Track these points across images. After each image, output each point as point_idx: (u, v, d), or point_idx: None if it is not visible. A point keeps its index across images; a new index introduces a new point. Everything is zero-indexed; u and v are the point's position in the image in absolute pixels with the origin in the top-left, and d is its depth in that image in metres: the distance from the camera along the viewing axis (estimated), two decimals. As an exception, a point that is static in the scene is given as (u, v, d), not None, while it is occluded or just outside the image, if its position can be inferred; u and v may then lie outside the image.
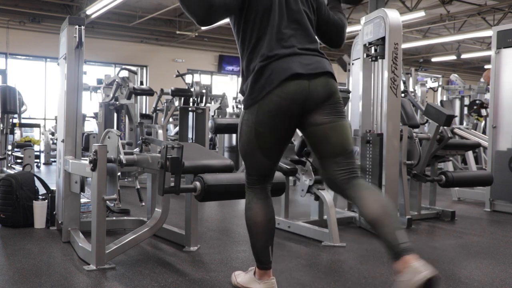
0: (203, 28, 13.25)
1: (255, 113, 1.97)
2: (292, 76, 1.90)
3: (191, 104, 6.42)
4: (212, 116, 7.63)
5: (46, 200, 3.60)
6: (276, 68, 1.91)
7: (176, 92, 6.44)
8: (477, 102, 8.59)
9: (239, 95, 8.78)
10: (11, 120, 7.07)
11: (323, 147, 2.00)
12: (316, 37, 2.08)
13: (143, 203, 3.47)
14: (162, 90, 7.00)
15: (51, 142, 9.44)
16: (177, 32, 13.88)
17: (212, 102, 8.63)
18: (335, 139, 1.98)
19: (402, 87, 5.59)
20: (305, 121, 1.99)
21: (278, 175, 2.49)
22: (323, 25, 2.16)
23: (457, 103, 9.78)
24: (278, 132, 2.00)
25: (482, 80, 8.98)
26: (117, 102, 6.07)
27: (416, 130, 4.33)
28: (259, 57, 1.94)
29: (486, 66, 16.64)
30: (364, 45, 3.85)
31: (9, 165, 7.18)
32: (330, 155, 1.99)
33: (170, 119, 7.87)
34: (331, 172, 2.00)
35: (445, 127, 4.17)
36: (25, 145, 7.92)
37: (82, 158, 3.28)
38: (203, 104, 6.47)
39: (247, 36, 1.99)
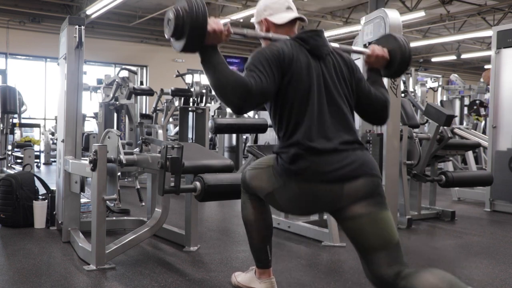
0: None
1: (280, 184, 1.86)
2: (327, 182, 1.77)
3: (191, 104, 6.42)
4: (212, 116, 7.63)
5: (46, 200, 3.60)
6: (312, 166, 1.77)
7: (176, 92, 6.44)
8: (477, 101, 8.58)
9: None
10: (11, 120, 7.07)
11: (361, 241, 1.78)
12: (354, 125, 1.92)
13: (143, 203, 3.47)
14: (162, 90, 7.00)
15: (51, 142, 9.43)
16: (177, 32, 13.87)
17: (212, 102, 8.62)
18: (375, 231, 1.77)
19: (402, 87, 5.60)
20: (339, 214, 1.84)
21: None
22: (364, 102, 1.99)
23: (457, 103, 9.78)
24: (304, 211, 1.98)
25: (481, 80, 8.99)
26: (117, 102, 6.07)
27: (416, 130, 4.33)
28: (298, 144, 1.79)
29: (486, 66, 16.65)
30: (364, 45, 3.84)
31: (9, 165, 7.18)
32: (370, 250, 1.76)
33: (170, 119, 7.87)
34: (374, 269, 1.75)
35: (445, 127, 4.17)
36: (25, 145, 7.92)
37: (82, 158, 3.29)
38: (203, 104, 6.47)
39: (283, 120, 1.84)
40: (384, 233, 1.76)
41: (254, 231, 2.19)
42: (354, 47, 2.20)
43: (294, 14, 2.00)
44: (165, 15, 1.76)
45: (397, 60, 2.09)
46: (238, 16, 11.74)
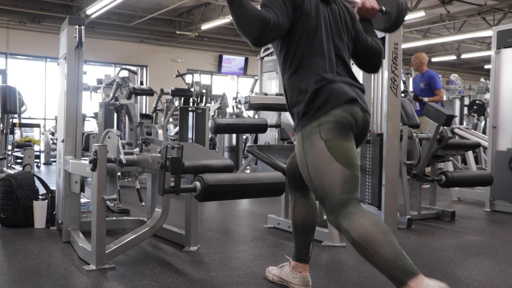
0: (203, 28, 13.26)
1: (317, 129, 1.89)
2: (352, 100, 1.94)
3: (191, 104, 6.42)
4: (212, 116, 7.64)
5: (46, 200, 3.60)
6: (335, 90, 1.92)
7: (176, 92, 6.44)
8: (477, 102, 8.58)
9: (239, 95, 8.78)
10: (11, 120, 7.07)
11: None
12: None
13: (143, 203, 3.47)
14: (162, 90, 7.00)
15: (51, 142, 9.44)
16: (177, 32, 13.89)
17: (212, 102, 8.63)
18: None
19: (402, 87, 5.60)
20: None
21: (277, 175, 2.49)
22: (361, 52, 2.17)
23: (457, 103, 9.79)
24: (348, 140, 1.93)
25: (412, 66, 7.94)
26: (117, 102, 6.06)
27: (416, 130, 4.33)
28: (309, 78, 1.94)
29: (486, 66, 16.65)
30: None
31: (9, 165, 7.18)
32: None
33: (170, 119, 7.87)
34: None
35: (445, 127, 4.17)
36: (25, 145, 7.92)
37: (82, 158, 3.28)
38: (203, 104, 6.47)
39: (290, 53, 1.98)
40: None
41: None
42: None
43: None
44: None
45: (393, 15, 2.23)
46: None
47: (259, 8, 1.84)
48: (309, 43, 1.96)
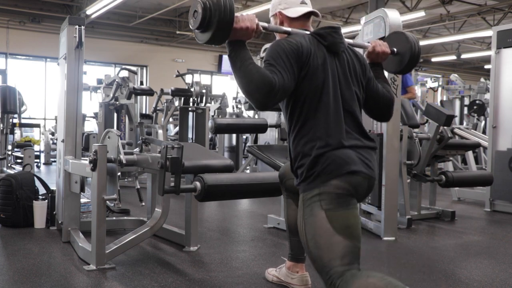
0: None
1: (317, 198, 1.76)
2: (353, 172, 1.78)
3: (191, 104, 6.42)
4: (212, 116, 7.63)
5: (46, 200, 3.60)
6: (336, 159, 1.77)
7: (176, 92, 6.44)
8: (477, 102, 8.58)
9: (239, 95, 8.78)
10: (11, 120, 7.07)
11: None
12: (364, 127, 1.94)
13: (143, 203, 3.47)
14: (162, 90, 7.00)
15: (51, 142, 9.43)
16: (177, 32, 13.88)
17: (212, 102, 8.63)
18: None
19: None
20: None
21: (277, 175, 2.49)
22: (372, 100, 2.03)
23: (457, 103, 9.79)
24: (348, 208, 1.77)
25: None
26: (117, 102, 6.06)
27: (416, 130, 4.33)
28: (313, 140, 1.80)
29: (486, 66, 16.66)
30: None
31: (9, 165, 7.18)
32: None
33: (170, 119, 7.86)
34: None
35: (445, 127, 4.17)
36: (25, 145, 7.92)
37: (82, 158, 3.28)
38: (203, 104, 6.47)
39: (295, 113, 1.85)
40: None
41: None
42: (355, 41, 2.22)
43: (308, 8, 2.02)
44: (191, 6, 1.74)
45: (406, 58, 2.16)
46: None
47: (263, 67, 1.74)
48: (315, 102, 1.82)
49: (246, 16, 1.76)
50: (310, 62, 1.81)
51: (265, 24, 1.90)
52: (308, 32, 1.92)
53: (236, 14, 1.73)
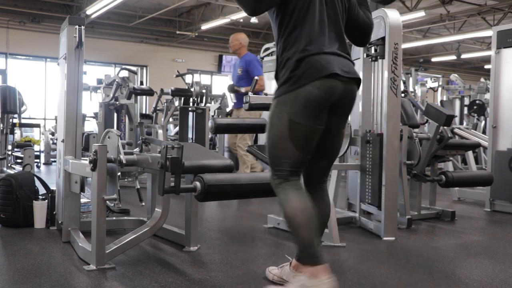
0: (203, 28, 13.26)
1: (289, 104, 1.98)
2: (331, 75, 1.96)
3: (191, 104, 6.42)
4: (212, 116, 7.63)
5: (46, 200, 3.60)
6: (316, 63, 1.96)
7: (176, 92, 6.43)
8: (477, 102, 8.59)
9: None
10: (11, 120, 7.07)
11: (320, 146, 2.10)
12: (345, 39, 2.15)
13: (143, 203, 3.47)
14: (162, 90, 6.99)
15: (51, 142, 9.44)
16: (177, 32, 13.90)
17: (212, 102, 8.63)
18: (333, 145, 2.16)
19: (402, 87, 5.58)
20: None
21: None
22: (352, 25, 2.20)
23: (457, 103, 9.79)
24: (313, 122, 2.00)
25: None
26: (117, 102, 6.06)
27: (416, 130, 4.33)
28: (297, 46, 1.99)
29: (486, 66, 16.65)
30: (364, 45, 3.84)
31: (9, 165, 7.18)
32: (321, 156, 2.15)
33: (170, 119, 7.87)
34: (313, 169, 2.18)
35: (445, 127, 4.17)
36: (25, 145, 7.92)
37: (82, 158, 3.28)
38: (203, 104, 6.46)
39: (284, 22, 2.04)
40: (338, 148, 2.19)
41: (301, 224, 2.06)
42: None
43: None
44: None
45: None
46: (238, 16, 11.74)
47: None
48: (302, 13, 2.00)
49: None
50: None
51: None
52: None
53: None
